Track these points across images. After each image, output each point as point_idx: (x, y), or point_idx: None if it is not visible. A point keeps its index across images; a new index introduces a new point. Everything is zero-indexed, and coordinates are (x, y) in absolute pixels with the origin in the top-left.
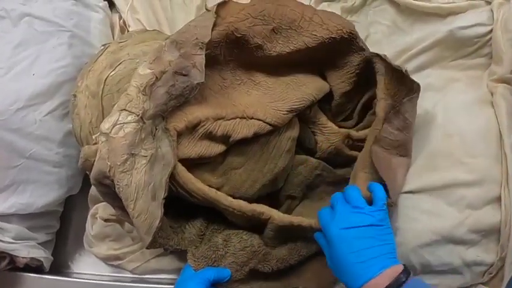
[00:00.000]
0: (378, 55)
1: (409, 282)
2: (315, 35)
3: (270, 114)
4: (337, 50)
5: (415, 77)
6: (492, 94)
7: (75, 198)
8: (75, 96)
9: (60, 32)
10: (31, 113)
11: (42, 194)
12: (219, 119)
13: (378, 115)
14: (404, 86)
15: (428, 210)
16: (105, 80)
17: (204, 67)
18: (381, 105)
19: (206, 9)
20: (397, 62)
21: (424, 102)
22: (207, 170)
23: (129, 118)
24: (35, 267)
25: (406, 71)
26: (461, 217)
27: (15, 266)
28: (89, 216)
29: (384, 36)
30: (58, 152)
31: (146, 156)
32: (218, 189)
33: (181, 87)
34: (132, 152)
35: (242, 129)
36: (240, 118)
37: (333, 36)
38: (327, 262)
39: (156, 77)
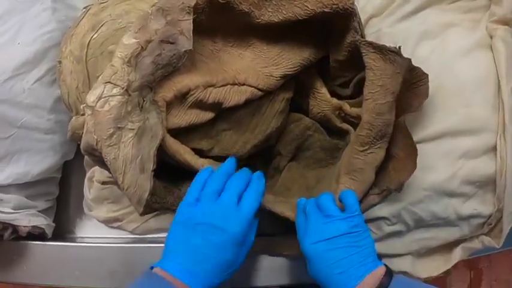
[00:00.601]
0: (370, 44)
1: (393, 284)
2: (307, 6)
3: (262, 81)
4: (331, 21)
5: (411, 21)
6: (491, 37)
7: (72, 163)
8: (60, 62)
9: None
10: (19, 83)
11: (37, 161)
12: (209, 86)
13: (362, 118)
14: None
15: (419, 164)
16: (88, 44)
17: (191, 33)
18: (366, 106)
19: None
20: (396, 3)
21: (420, 50)
22: (197, 134)
23: (114, 91)
24: (37, 234)
25: (399, 47)
26: (454, 169)
27: (18, 236)
28: (86, 180)
29: None
30: (49, 119)
31: (133, 129)
32: (209, 151)
33: (168, 55)
34: (119, 126)
35: (234, 96)
36: (232, 85)
37: (326, 10)
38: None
39: (142, 47)
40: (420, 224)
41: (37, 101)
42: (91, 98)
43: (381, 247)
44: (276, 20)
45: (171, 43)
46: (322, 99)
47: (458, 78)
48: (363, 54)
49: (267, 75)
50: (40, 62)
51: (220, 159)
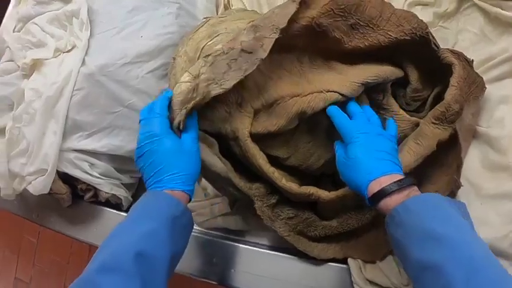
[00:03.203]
0: (451, 51)
1: (413, 197)
2: (390, 34)
3: (345, 87)
4: (409, 43)
5: (492, 87)
6: None
7: None
8: (174, 59)
9: (170, 3)
10: (135, 69)
11: (132, 140)
12: (294, 96)
13: (445, 98)
14: (473, 82)
15: (477, 217)
16: (202, 48)
17: (269, 48)
18: (450, 91)
19: None
20: (478, 71)
21: (496, 113)
22: (277, 142)
23: (187, 78)
24: (114, 204)
25: (472, 61)
26: (507, 230)
27: (97, 200)
28: None
29: (470, 44)
30: None
31: None
32: (285, 159)
33: (242, 61)
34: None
35: (318, 103)
36: (317, 93)
37: (406, 38)
38: (339, 161)
39: (223, 51)
40: None
41: (147, 89)
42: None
43: None
44: (362, 46)
45: (249, 53)
46: (402, 119)
47: None
48: (445, 57)
49: (349, 82)
50: (157, 57)
51: (292, 169)
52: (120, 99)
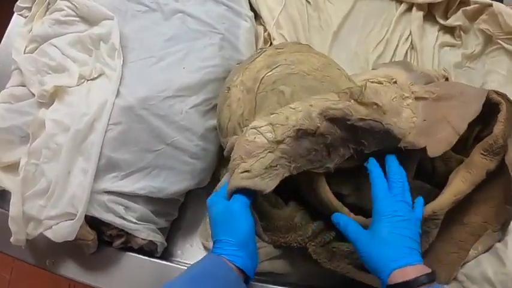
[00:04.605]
0: (495, 92)
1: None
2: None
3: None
4: None
5: None
6: None
7: (195, 190)
8: (229, 89)
9: (212, 33)
10: (178, 104)
11: (176, 181)
12: None
13: (493, 132)
14: None
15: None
16: (261, 79)
17: None
18: (498, 126)
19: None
20: None
21: None
22: (340, 178)
23: (268, 135)
24: (148, 250)
25: None
26: None
27: (126, 246)
28: None
29: (499, 85)
30: (198, 144)
31: None
32: (347, 196)
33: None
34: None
35: None
36: None
37: None
38: (357, 248)
39: (315, 131)
40: None
41: (191, 125)
42: (256, 123)
43: None
44: None
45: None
46: (449, 158)
47: None
48: (493, 97)
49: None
50: (200, 91)
51: (353, 208)
52: (163, 136)
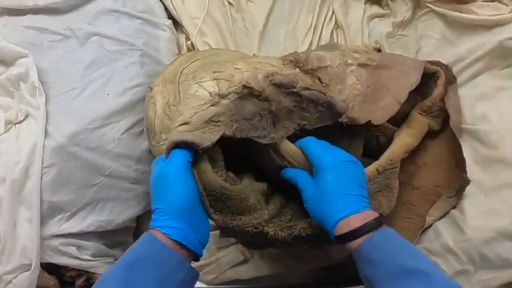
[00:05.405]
0: (429, 61)
1: (380, 231)
2: None
3: None
4: None
5: (468, 86)
6: None
7: (144, 213)
8: (151, 89)
9: (132, 51)
10: (109, 132)
11: (122, 210)
12: None
13: (432, 95)
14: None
15: (486, 210)
16: (181, 71)
17: None
18: (438, 90)
19: None
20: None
21: (476, 110)
22: None
23: (211, 89)
24: None
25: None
26: None
27: (89, 283)
28: None
29: (435, 49)
30: (136, 169)
31: None
32: None
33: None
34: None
35: None
36: None
37: None
38: (304, 201)
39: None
40: (486, 264)
41: (126, 151)
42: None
43: None
44: None
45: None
46: (391, 132)
47: None
48: (429, 67)
49: None
50: (129, 114)
51: None
52: (99, 168)
